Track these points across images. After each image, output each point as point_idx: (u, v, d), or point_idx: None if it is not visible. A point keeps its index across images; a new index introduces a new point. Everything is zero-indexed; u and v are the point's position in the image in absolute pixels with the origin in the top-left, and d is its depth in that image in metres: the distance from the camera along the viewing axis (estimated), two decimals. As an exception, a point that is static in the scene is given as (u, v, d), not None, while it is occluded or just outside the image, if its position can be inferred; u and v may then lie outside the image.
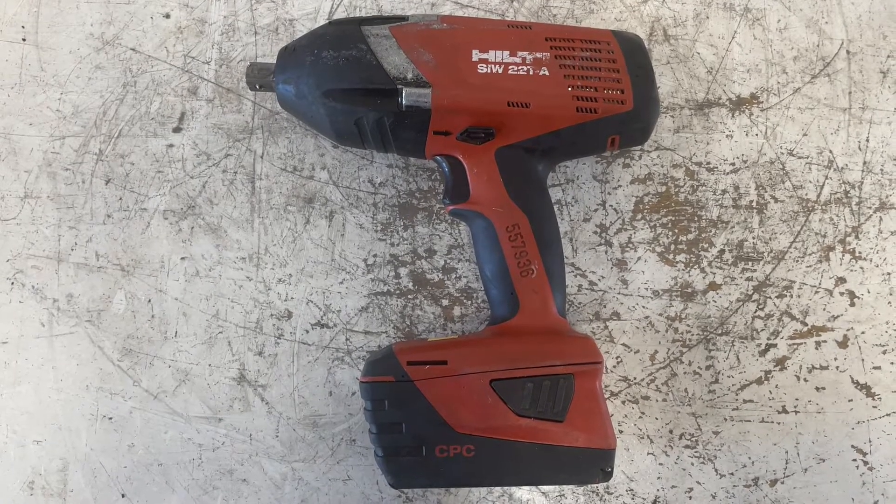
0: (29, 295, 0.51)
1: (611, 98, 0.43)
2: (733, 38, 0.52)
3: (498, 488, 0.49)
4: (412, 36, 0.43)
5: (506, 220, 0.44)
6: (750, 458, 0.50)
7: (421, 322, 0.51)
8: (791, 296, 0.51)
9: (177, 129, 0.52)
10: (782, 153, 0.51)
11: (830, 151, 0.51)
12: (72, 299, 0.51)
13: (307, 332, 0.51)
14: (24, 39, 0.53)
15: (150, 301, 0.51)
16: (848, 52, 0.52)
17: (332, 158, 0.52)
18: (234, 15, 0.53)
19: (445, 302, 0.51)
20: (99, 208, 0.51)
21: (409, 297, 0.51)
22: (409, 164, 0.51)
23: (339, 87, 0.43)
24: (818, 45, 0.52)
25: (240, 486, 0.50)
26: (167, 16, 0.53)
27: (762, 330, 0.50)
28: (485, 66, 0.43)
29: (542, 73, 0.43)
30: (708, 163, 0.51)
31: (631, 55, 0.44)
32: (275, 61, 0.45)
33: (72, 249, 0.51)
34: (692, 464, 0.50)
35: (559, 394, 0.41)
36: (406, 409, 0.41)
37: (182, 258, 0.51)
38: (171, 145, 0.52)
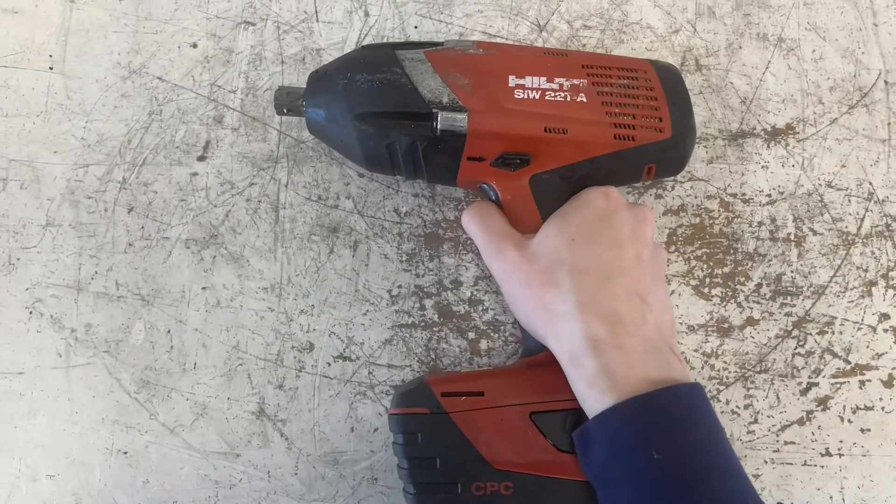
0: (47, 325, 0.52)
1: (649, 126, 0.44)
2: (767, 67, 0.54)
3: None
4: (448, 60, 0.44)
5: None
6: (793, 504, 0.49)
7: (446, 355, 0.51)
8: (833, 332, 0.51)
9: (201, 158, 0.54)
10: (820, 185, 0.52)
11: (870, 183, 0.52)
12: (90, 329, 0.52)
13: (329, 364, 0.51)
14: (51, 68, 0.55)
15: (169, 332, 0.52)
16: (886, 82, 0.53)
17: (358, 188, 0.53)
18: (261, 45, 0.55)
19: (472, 335, 0.51)
20: (121, 237, 0.53)
21: (435, 329, 0.51)
22: (436, 194, 0.53)
23: (373, 111, 0.44)
24: (855, 76, 0.53)
25: (257, 526, 0.50)
26: (194, 45, 0.55)
27: (803, 368, 0.50)
28: (521, 91, 0.44)
29: (579, 99, 0.44)
30: (743, 194, 0.52)
31: (668, 84, 0.45)
32: (304, 86, 0.47)
33: (92, 278, 0.53)
34: (731, 509, 0.49)
35: None
36: (441, 443, 0.41)
37: (203, 288, 0.52)
38: (195, 174, 0.53)
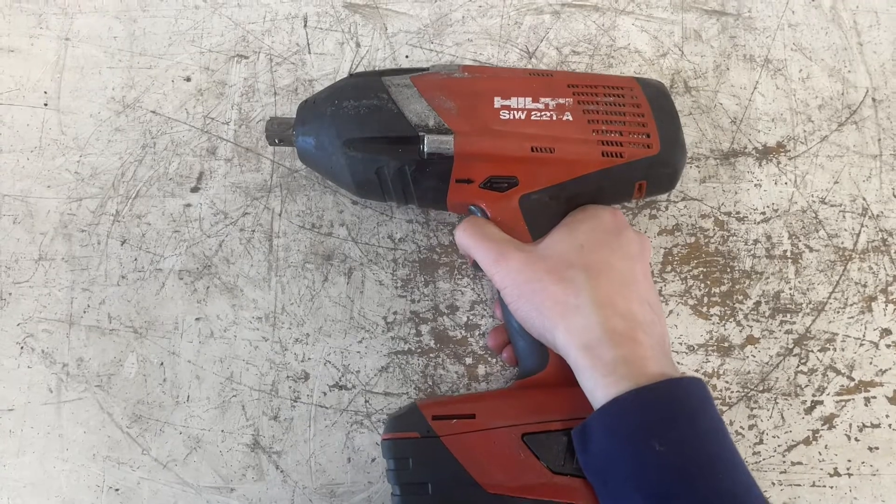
0: (38, 360, 0.54)
1: (637, 142, 0.46)
2: (755, 88, 0.57)
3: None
4: (433, 85, 0.47)
5: None
6: (803, 527, 0.50)
7: (444, 382, 0.53)
8: (834, 349, 0.52)
9: (195, 189, 0.56)
10: (814, 201, 0.55)
11: (864, 199, 0.55)
12: (82, 363, 0.54)
13: (325, 394, 0.53)
14: (45, 104, 0.58)
15: (162, 364, 0.54)
16: (874, 99, 0.56)
17: (351, 215, 0.55)
18: (253, 77, 0.58)
19: (469, 360, 0.53)
20: (113, 269, 0.55)
21: (431, 355, 0.53)
22: (430, 219, 0.55)
23: (361, 136, 0.47)
24: (843, 94, 0.56)
25: (252, 563, 0.51)
26: (188, 79, 0.58)
27: (806, 386, 0.52)
28: (507, 112, 0.47)
29: (565, 118, 0.47)
30: (737, 212, 0.55)
31: (655, 100, 0.48)
32: (294, 116, 0.50)
33: (84, 312, 0.54)
34: (740, 533, 0.50)
35: None
36: (432, 468, 0.43)
37: (196, 319, 0.54)
38: (188, 205, 0.56)
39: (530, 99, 0.47)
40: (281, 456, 0.52)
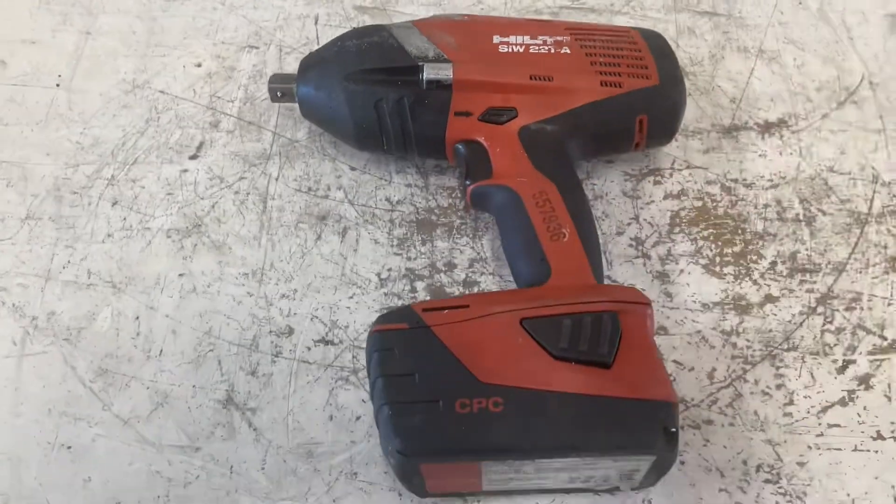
0: (7, 313, 0.51)
1: (635, 74, 0.47)
2: (752, 73, 0.58)
3: None
4: (433, 25, 0.49)
5: (532, 188, 0.45)
6: (849, 495, 0.44)
7: (439, 338, 0.49)
8: (861, 308, 0.49)
9: (193, 157, 0.56)
10: (822, 170, 0.54)
11: (873, 168, 0.54)
12: (52, 317, 0.51)
13: (309, 349, 0.49)
14: (57, 85, 0.60)
15: (137, 318, 0.50)
16: (871, 82, 0.58)
17: (350, 180, 0.55)
18: (262, 63, 0.61)
19: (467, 317, 0.50)
20: (100, 228, 0.54)
21: (426, 312, 0.50)
22: (429, 184, 0.55)
23: (360, 69, 0.48)
24: (839, 78, 0.58)
25: (211, 531, 0.44)
26: (199, 65, 0.61)
27: (835, 345, 0.48)
28: (506, 46, 0.48)
29: (563, 51, 0.48)
30: (744, 179, 0.54)
31: (652, 40, 0.49)
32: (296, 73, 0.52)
33: (63, 268, 0.52)
34: (776, 502, 0.44)
35: (604, 332, 0.38)
36: (420, 357, 0.38)
37: (180, 274, 0.52)
38: (185, 170, 0.56)
39: (528, 36, 0.49)
40: (255, 413, 0.47)
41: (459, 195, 0.54)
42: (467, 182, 0.48)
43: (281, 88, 0.52)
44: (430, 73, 0.47)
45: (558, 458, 0.37)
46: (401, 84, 0.48)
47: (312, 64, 0.51)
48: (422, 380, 0.38)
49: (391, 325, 0.40)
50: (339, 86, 0.49)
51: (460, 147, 0.49)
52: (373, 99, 0.48)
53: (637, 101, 0.48)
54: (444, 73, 0.47)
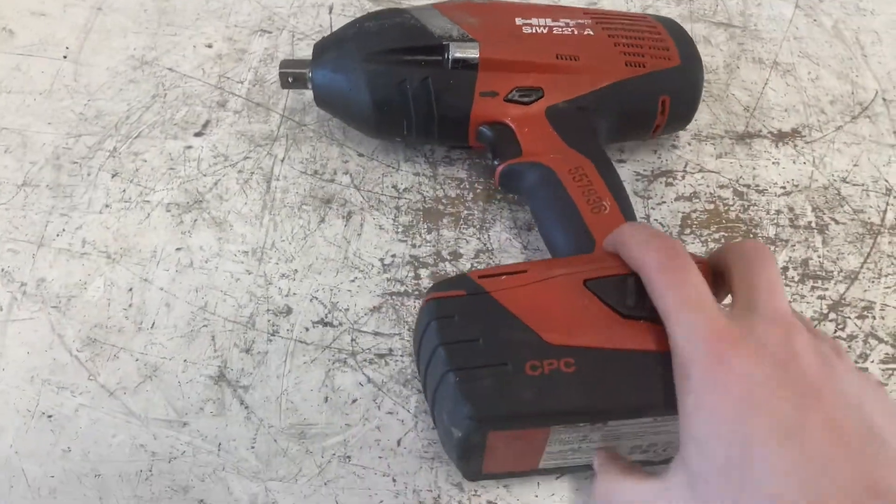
0: (-5, 278, 0.50)
1: (657, 55, 0.48)
2: (766, 83, 0.59)
3: None
4: (455, 7, 0.49)
5: (566, 163, 0.45)
6: (860, 504, 0.43)
7: (441, 325, 0.48)
8: (874, 317, 0.48)
9: (198, 134, 0.56)
10: (835, 180, 0.54)
11: (886, 180, 0.54)
12: (42, 284, 0.49)
13: (307, 329, 0.48)
14: (64, 57, 0.60)
15: (130, 290, 0.49)
16: (884, 99, 0.58)
17: (357, 165, 0.54)
18: (274, 47, 0.60)
19: (471, 306, 0.49)
20: (98, 198, 0.53)
21: (430, 299, 0.49)
22: (437, 174, 0.54)
23: (382, 49, 0.48)
24: (853, 93, 0.58)
25: (194, 509, 0.42)
26: (209, 45, 0.61)
27: (847, 352, 0.47)
28: (529, 28, 0.48)
29: (586, 33, 0.48)
30: (757, 185, 0.54)
31: (668, 23, 0.50)
32: (309, 58, 0.51)
33: (57, 235, 0.51)
34: (786, 507, 0.42)
35: None
36: (483, 323, 0.36)
37: (177, 248, 0.51)
38: (189, 147, 0.55)
39: (550, 18, 0.49)
40: (248, 391, 0.46)
41: (468, 186, 0.54)
42: (495, 162, 0.47)
43: (293, 73, 0.51)
44: (456, 51, 0.47)
45: (633, 419, 0.36)
46: (424, 64, 0.48)
47: (329, 46, 0.50)
48: (487, 344, 0.36)
49: (448, 293, 0.38)
50: (359, 67, 0.48)
51: (485, 129, 0.48)
52: (395, 80, 0.48)
53: (660, 82, 0.48)
54: (471, 51, 0.47)
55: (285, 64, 0.52)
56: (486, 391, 0.35)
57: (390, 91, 0.48)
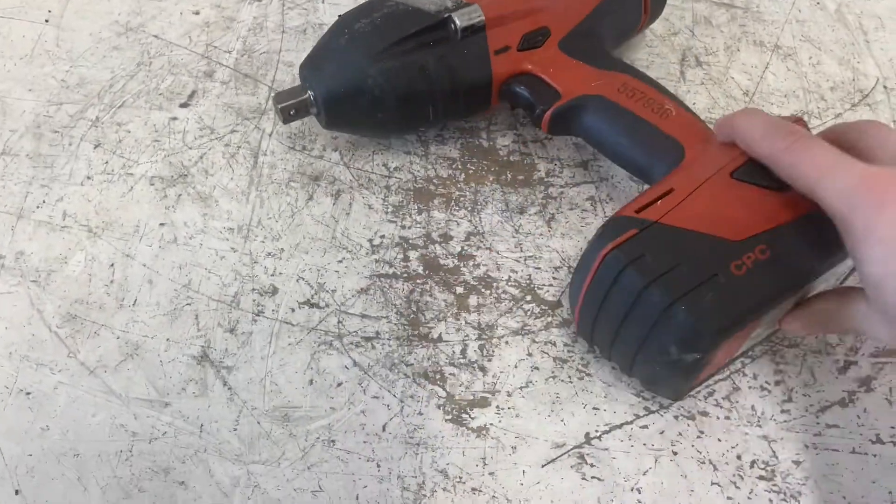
0: (-28, 250, 0.49)
1: None
2: (766, 67, 0.58)
3: None
4: None
5: (611, 85, 0.46)
6: (845, 498, 0.43)
7: (429, 308, 0.48)
8: (865, 310, 0.48)
9: (184, 105, 0.55)
10: (832, 169, 0.53)
11: (884, 171, 0.53)
12: (21, 257, 0.48)
13: (293, 310, 0.47)
14: (46, 21, 0.58)
15: (112, 265, 0.48)
16: (885, 87, 0.57)
17: (346, 142, 0.53)
18: (263, 16, 0.59)
19: (460, 290, 0.48)
20: (80, 170, 0.52)
21: (418, 281, 0.48)
22: (429, 153, 0.53)
23: (387, 44, 0.46)
24: (853, 80, 0.58)
25: (174, 491, 0.42)
26: (197, 13, 0.59)
27: (837, 345, 0.47)
28: None
29: None
30: (753, 172, 0.53)
31: None
32: (296, 83, 0.50)
33: (37, 207, 0.50)
34: (770, 500, 0.43)
35: None
36: (672, 249, 0.37)
37: (161, 224, 0.50)
38: (174, 118, 0.54)
39: None
40: (231, 371, 0.45)
41: (460, 167, 0.53)
42: (540, 110, 0.47)
43: (293, 105, 0.48)
44: (462, 20, 0.47)
45: (826, 272, 0.38)
46: (433, 44, 0.47)
47: (323, 61, 0.48)
48: (688, 266, 0.37)
49: (622, 238, 0.38)
50: (372, 69, 0.46)
51: (513, 87, 0.49)
52: (415, 69, 0.47)
53: None
54: (476, 16, 0.47)
55: (280, 98, 0.48)
56: (715, 305, 0.36)
57: (413, 81, 0.47)
